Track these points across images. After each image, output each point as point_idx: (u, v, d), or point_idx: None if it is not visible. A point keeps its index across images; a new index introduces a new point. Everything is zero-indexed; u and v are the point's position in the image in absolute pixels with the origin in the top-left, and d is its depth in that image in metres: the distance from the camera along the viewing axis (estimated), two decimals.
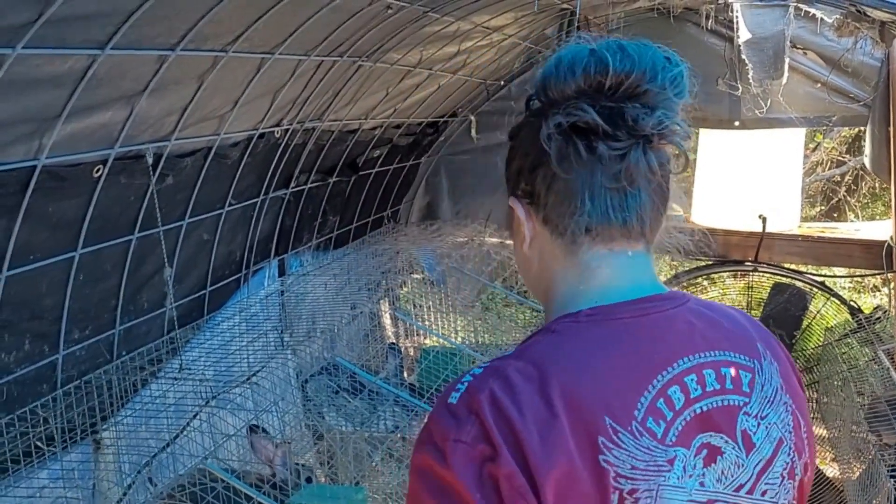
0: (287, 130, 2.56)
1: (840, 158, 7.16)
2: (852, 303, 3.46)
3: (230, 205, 2.45)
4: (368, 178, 3.52)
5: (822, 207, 7.62)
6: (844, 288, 6.33)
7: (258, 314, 2.84)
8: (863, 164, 4.07)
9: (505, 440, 0.75)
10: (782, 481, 0.87)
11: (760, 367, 0.89)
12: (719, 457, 0.84)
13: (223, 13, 1.71)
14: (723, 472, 0.83)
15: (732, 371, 0.86)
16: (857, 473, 2.95)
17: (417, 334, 4.04)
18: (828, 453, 3.60)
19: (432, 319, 3.79)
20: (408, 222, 4.37)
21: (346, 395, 2.85)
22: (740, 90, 3.65)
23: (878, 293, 6.38)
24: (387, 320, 3.87)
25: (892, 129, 3.43)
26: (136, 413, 2.17)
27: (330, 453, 2.72)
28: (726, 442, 0.84)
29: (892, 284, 3.68)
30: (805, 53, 3.61)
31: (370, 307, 3.32)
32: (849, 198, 7.43)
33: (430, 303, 3.91)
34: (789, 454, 0.87)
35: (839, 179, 7.44)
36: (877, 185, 6.95)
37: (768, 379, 0.88)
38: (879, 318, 3.33)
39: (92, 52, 1.49)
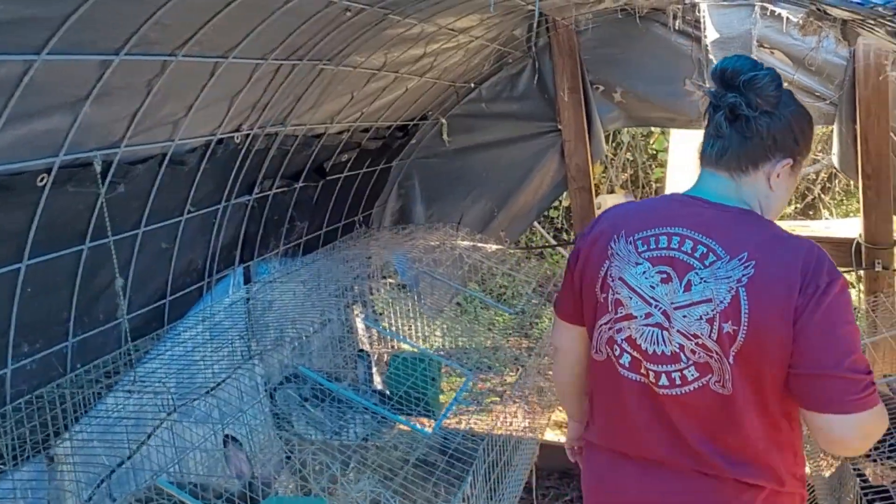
0: (248, 136, 2.52)
1: (814, 157, 7.20)
2: None
3: (189, 212, 2.40)
4: (337, 183, 3.48)
5: (798, 205, 7.67)
6: None
7: (223, 322, 2.78)
8: (831, 162, 4.09)
9: (575, 241, 1.75)
10: (699, 318, 1.45)
11: (728, 259, 1.44)
12: (668, 283, 1.49)
13: (169, 17, 1.67)
14: (665, 292, 1.49)
15: (703, 248, 1.47)
16: (829, 472, 2.95)
17: (390, 340, 4.00)
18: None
19: (401, 325, 3.76)
20: (380, 227, 4.33)
21: (311, 405, 2.80)
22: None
23: (852, 290, 6.41)
24: (359, 326, 3.83)
25: (858, 127, 3.44)
26: (92, 427, 2.11)
27: (301, 462, 2.68)
28: (675, 278, 1.48)
29: (862, 281, 3.69)
30: (772, 53, 3.62)
31: (341, 313, 3.27)
32: (823, 195, 7.48)
33: (402, 308, 3.88)
34: (713, 309, 1.44)
35: (814, 177, 7.49)
36: (850, 182, 7.01)
37: (727, 269, 1.44)
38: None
39: (28, 58, 1.45)
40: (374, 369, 3.61)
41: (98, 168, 1.84)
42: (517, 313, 3.57)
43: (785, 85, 1.51)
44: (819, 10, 2.52)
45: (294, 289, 3.10)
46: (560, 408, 5.36)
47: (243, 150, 2.53)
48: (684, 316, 1.46)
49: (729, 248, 1.45)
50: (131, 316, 2.28)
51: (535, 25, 3.73)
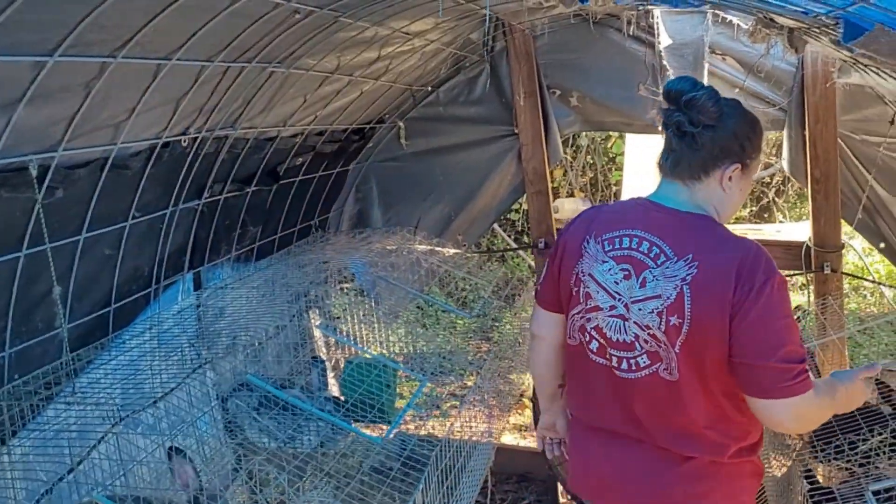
0: (195, 139, 2.47)
1: (768, 161, 7.33)
2: None
3: (134, 217, 2.34)
4: (292, 187, 3.44)
5: (753, 208, 7.81)
6: None
7: (172, 329, 2.72)
8: (782, 167, 4.16)
9: (557, 237, 1.90)
10: (651, 312, 1.66)
11: (676, 260, 1.65)
12: (628, 280, 1.69)
13: (107, 18, 1.62)
14: (626, 287, 1.69)
15: (657, 249, 1.67)
16: (780, 472, 2.99)
17: (347, 346, 3.96)
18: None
19: (358, 330, 3.73)
20: (338, 231, 4.29)
21: (265, 412, 2.75)
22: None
23: (805, 290, 6.54)
24: (315, 332, 3.78)
25: (807, 132, 3.51)
26: (31, 440, 2.04)
27: (249, 472, 2.63)
28: (633, 275, 1.69)
29: (812, 284, 3.76)
30: (724, 59, 3.67)
31: (296, 319, 3.23)
32: (777, 199, 7.63)
33: (359, 313, 3.85)
34: (662, 304, 1.64)
35: (768, 181, 7.63)
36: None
37: (675, 268, 1.64)
38: (800, 317, 3.39)
39: None
40: (331, 375, 3.57)
41: (34, 173, 1.78)
42: (475, 317, 3.56)
43: (736, 91, 1.78)
44: (767, 18, 2.55)
45: (247, 295, 3.05)
46: (519, 411, 5.38)
47: (191, 154, 2.48)
48: (640, 309, 1.68)
49: (677, 249, 1.66)
50: (74, 325, 2.21)
51: (490, 30, 3.73)
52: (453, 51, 3.71)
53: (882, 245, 3.69)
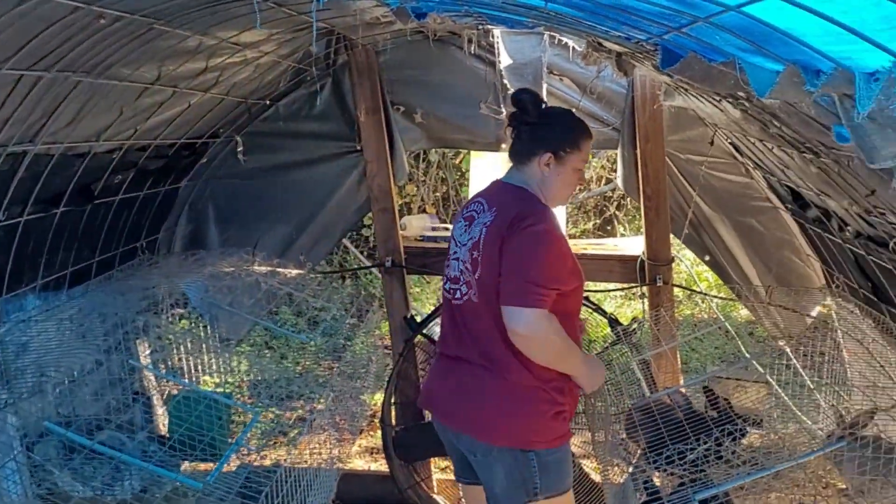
0: None
1: (609, 176, 7.69)
2: (612, 316, 3.63)
3: None
4: (111, 207, 3.15)
5: (597, 221, 8.15)
6: (616, 298, 6.78)
7: None
8: (616, 184, 4.34)
9: None
10: (466, 250, 2.20)
11: (486, 212, 2.20)
12: (465, 231, 2.25)
13: None
14: (462, 235, 2.25)
15: (483, 207, 2.23)
16: (619, 479, 3.07)
17: (183, 376, 3.68)
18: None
19: (190, 360, 3.48)
20: (171, 252, 4.01)
21: (73, 458, 2.48)
22: (504, 113, 3.72)
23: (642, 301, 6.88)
24: (141, 363, 3.49)
25: (638, 151, 3.66)
26: None
27: None
28: (468, 227, 2.24)
29: (646, 297, 3.92)
30: (561, 79, 3.77)
31: (116, 351, 2.94)
32: (618, 212, 8.00)
33: (194, 341, 3.60)
34: (472, 243, 2.19)
35: (610, 195, 8.00)
36: None
37: (484, 217, 2.19)
38: (635, 329, 3.51)
39: None
40: (160, 410, 3.30)
41: None
42: (310, 341, 3.41)
43: (575, 110, 2.34)
44: (595, 42, 2.61)
45: (57, 327, 2.75)
46: (371, 432, 5.26)
47: None
48: (463, 249, 2.22)
49: (490, 206, 2.22)
50: None
51: (332, 42, 3.62)
52: (292, 64, 3.56)
53: (707, 258, 3.91)
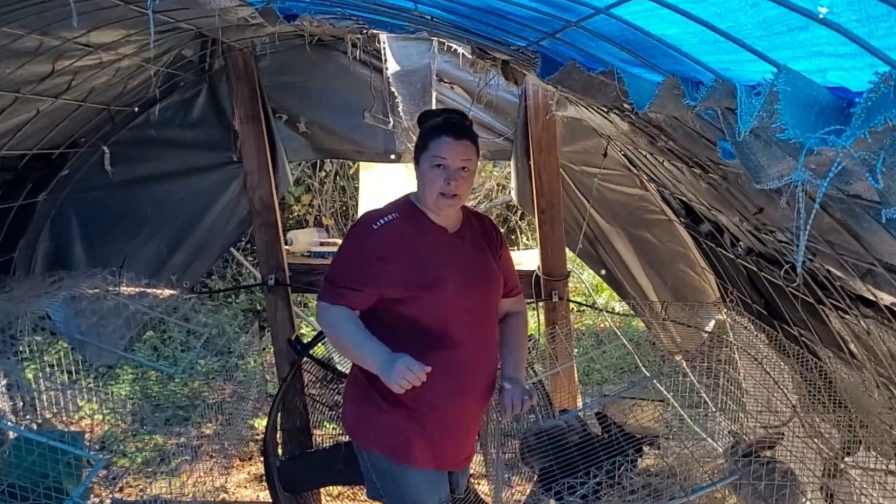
0: None
1: (505, 186, 7.63)
2: None
3: None
4: None
5: (501, 229, 8.09)
6: None
7: None
8: (511, 197, 4.24)
9: None
10: None
11: None
12: None
13: None
14: None
15: None
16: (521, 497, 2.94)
17: (37, 414, 3.31)
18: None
19: (51, 393, 3.13)
20: (31, 273, 3.62)
21: None
22: (391, 123, 3.54)
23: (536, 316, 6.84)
24: None
25: (532, 163, 3.55)
26: None
27: None
28: None
29: (541, 312, 3.82)
30: (452, 87, 3.62)
31: None
32: (520, 222, 7.96)
33: (57, 370, 3.25)
34: None
35: (514, 205, 7.95)
36: None
37: None
38: (530, 349, 3.39)
39: None
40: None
41: None
42: (172, 374, 3.13)
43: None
44: (479, 48, 2.47)
45: None
46: (261, 459, 4.95)
47: None
48: None
49: None
50: None
51: (210, 44, 3.35)
52: (161, 68, 3.26)
53: (603, 272, 3.84)
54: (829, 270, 2.04)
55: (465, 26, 1.93)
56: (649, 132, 2.20)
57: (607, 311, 4.93)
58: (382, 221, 2.11)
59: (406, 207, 2.17)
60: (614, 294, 6.69)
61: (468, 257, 2.18)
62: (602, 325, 7.11)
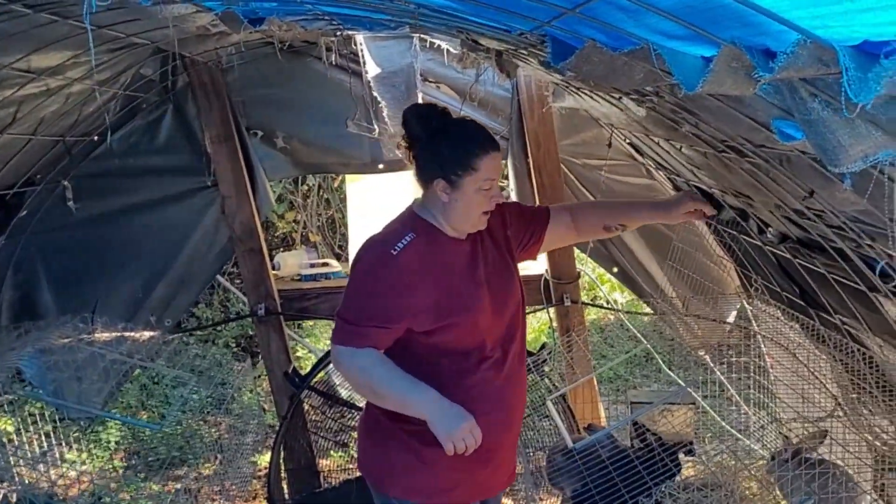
0: None
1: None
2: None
3: None
4: None
5: None
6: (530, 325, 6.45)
7: None
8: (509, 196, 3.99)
9: None
10: None
11: None
12: None
13: None
14: None
15: None
16: None
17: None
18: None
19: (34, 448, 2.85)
20: None
21: None
22: (376, 130, 3.28)
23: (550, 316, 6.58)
24: None
25: (530, 160, 3.30)
26: None
27: None
28: None
29: (554, 318, 3.56)
30: (438, 87, 3.37)
31: None
32: None
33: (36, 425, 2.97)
34: None
35: None
36: None
37: None
38: (546, 359, 3.13)
39: None
40: None
41: None
42: (156, 429, 2.86)
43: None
44: (470, 40, 2.21)
45: None
46: (266, 496, 4.67)
47: None
48: None
49: None
50: None
51: (171, 59, 3.07)
52: (119, 90, 2.98)
53: (615, 270, 3.61)
54: (890, 256, 1.80)
55: (458, 11, 1.67)
56: (674, 117, 1.95)
57: (622, 311, 4.69)
58: (401, 245, 1.81)
59: (419, 224, 1.87)
60: (615, 284, 6.45)
61: (490, 263, 1.92)
62: (606, 319, 6.87)
